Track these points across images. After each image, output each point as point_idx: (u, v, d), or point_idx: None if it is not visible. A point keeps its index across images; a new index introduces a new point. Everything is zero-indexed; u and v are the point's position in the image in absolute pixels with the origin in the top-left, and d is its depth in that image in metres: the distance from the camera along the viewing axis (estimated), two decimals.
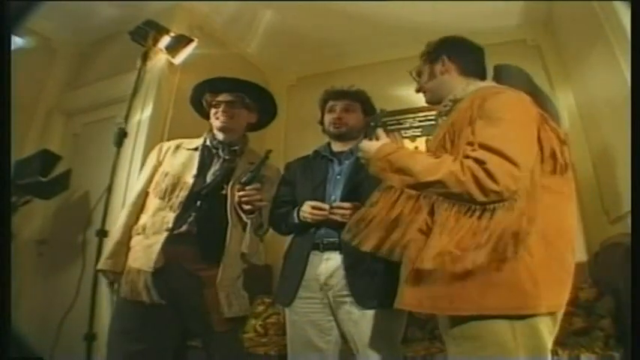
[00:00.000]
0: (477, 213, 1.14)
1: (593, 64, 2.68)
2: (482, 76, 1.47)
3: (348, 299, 1.65)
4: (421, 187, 1.21)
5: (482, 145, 1.16)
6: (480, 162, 1.12)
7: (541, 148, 1.22)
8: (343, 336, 1.72)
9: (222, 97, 1.94)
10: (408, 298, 1.24)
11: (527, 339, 1.12)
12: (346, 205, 1.69)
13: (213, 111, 1.95)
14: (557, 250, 1.19)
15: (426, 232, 1.21)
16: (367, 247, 1.28)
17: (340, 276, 1.67)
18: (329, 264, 1.70)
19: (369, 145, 1.37)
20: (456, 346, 1.20)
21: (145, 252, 1.74)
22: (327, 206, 1.72)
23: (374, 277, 1.63)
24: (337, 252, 1.70)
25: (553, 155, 1.22)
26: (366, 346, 1.63)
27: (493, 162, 1.11)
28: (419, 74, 1.56)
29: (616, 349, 2.08)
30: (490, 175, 1.11)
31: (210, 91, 1.97)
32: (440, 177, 1.16)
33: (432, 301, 1.19)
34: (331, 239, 1.72)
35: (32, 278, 2.93)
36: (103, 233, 1.91)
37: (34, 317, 2.67)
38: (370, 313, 1.62)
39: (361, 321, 1.63)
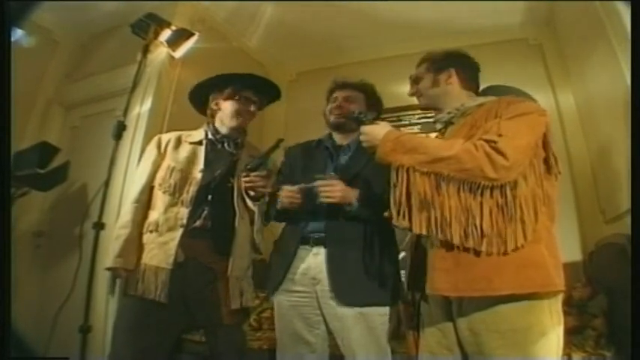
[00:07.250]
0: (488, 192, 1.20)
1: (594, 64, 2.68)
2: (477, 92, 1.54)
3: (333, 295, 1.63)
4: (435, 162, 1.23)
5: (495, 132, 1.24)
6: (490, 142, 1.20)
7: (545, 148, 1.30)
8: (330, 331, 1.71)
9: (229, 96, 1.92)
10: (441, 282, 1.26)
11: (557, 316, 1.23)
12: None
13: (224, 108, 1.93)
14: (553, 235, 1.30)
15: (457, 210, 1.21)
16: (417, 228, 1.23)
17: (326, 271, 1.66)
18: (318, 259, 1.69)
19: (375, 129, 1.37)
20: (503, 339, 1.20)
21: (161, 249, 1.74)
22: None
23: (359, 274, 1.62)
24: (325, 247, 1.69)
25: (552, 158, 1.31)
26: (352, 343, 1.62)
27: (503, 141, 1.19)
28: (417, 80, 1.57)
29: (607, 348, 2.09)
30: (500, 152, 1.18)
31: (217, 89, 1.95)
32: (455, 152, 1.22)
33: (469, 283, 1.21)
34: (321, 234, 1.71)
35: (29, 270, 2.92)
36: (100, 226, 1.91)
37: (30, 309, 2.67)
38: (355, 310, 1.61)
39: (346, 317, 1.62)
